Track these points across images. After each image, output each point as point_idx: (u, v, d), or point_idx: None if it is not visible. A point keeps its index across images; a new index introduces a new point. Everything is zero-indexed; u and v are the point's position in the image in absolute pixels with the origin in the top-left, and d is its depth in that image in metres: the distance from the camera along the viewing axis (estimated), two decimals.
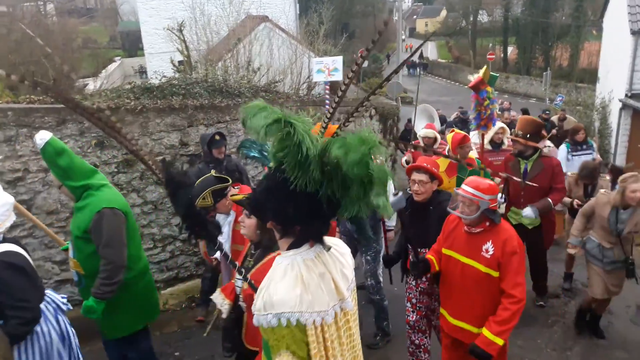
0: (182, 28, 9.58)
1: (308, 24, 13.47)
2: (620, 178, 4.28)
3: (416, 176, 3.68)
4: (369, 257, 4.42)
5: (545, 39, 33.89)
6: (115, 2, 34.95)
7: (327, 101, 7.06)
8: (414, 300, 3.79)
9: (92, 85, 13.61)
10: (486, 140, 5.88)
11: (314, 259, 1.71)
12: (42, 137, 3.02)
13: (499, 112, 7.90)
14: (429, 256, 3.35)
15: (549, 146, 6.96)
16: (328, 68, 6.87)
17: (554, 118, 11.83)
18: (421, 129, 7.18)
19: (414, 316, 3.76)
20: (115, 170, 5.28)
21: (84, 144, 5.07)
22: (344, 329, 1.78)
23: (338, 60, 6.98)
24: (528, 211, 4.78)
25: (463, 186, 3.12)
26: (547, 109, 13.46)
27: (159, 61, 15.85)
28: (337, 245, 1.83)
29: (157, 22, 16.70)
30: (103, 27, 33.93)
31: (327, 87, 7.49)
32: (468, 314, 3.12)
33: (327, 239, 1.77)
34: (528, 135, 4.81)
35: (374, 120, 9.19)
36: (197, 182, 3.64)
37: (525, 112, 14.42)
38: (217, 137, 5.00)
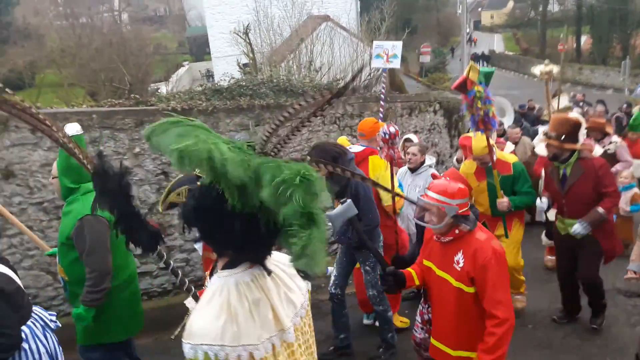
0: (248, 31, 9.88)
1: (369, 21, 13.47)
2: None
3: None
4: (367, 267, 4.11)
5: (624, 27, 31.87)
6: (183, 9, 36.52)
7: (383, 96, 6.79)
8: (425, 317, 3.30)
9: (163, 89, 14.37)
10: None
11: (250, 283, 1.50)
12: (77, 128, 3.05)
13: (571, 105, 7.15)
14: (410, 269, 3.02)
15: (615, 142, 6.43)
16: (387, 53, 6.43)
17: (636, 109, 11.15)
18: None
19: (422, 334, 3.33)
20: None
21: None
22: None
23: (398, 46, 6.50)
24: (577, 227, 4.25)
25: (426, 191, 2.83)
26: (628, 101, 12.69)
27: (225, 64, 16.41)
28: (285, 265, 1.59)
29: (223, 26, 17.31)
30: (172, 34, 35.56)
31: (385, 74, 7.01)
32: (444, 333, 2.86)
33: (274, 259, 1.57)
34: (563, 137, 4.26)
35: (438, 115, 9.06)
36: (178, 177, 3.59)
37: (601, 103, 13.67)
38: None
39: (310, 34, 11.69)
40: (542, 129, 7.19)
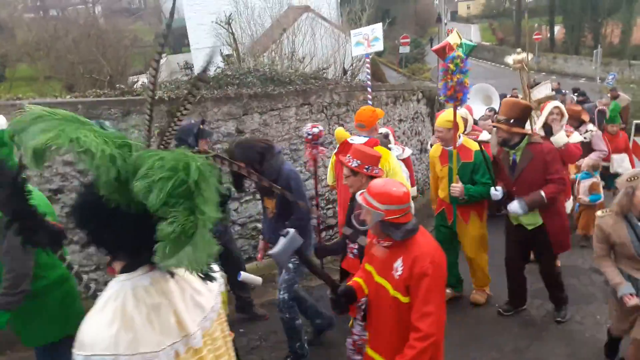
0: (230, 21, 9.80)
1: (350, 12, 13.47)
2: (626, 176, 3.30)
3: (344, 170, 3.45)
4: (290, 265, 3.76)
5: (595, 16, 32.51)
6: (158, 1, 35.89)
7: (369, 83, 6.52)
8: (355, 338, 2.93)
9: (142, 81, 14.14)
10: (539, 125, 5.14)
11: (149, 287, 1.40)
12: (2, 122, 2.90)
13: (553, 93, 7.08)
14: (356, 279, 2.80)
15: (592, 130, 6.33)
16: (367, 39, 6.16)
17: (605, 99, 11.31)
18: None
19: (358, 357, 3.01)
20: None
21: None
22: None
23: (377, 28, 6.13)
24: (515, 205, 4.13)
25: (364, 192, 2.58)
26: (604, 92, 12.92)
27: (205, 56, 16.21)
28: None
29: (202, 17, 17.07)
30: (148, 26, 34.90)
31: (368, 59, 6.69)
32: (380, 343, 2.67)
33: None
34: (512, 120, 4.11)
35: (421, 104, 9.15)
36: None
37: (576, 91, 13.95)
38: (204, 127, 4.47)
39: (291, 25, 11.64)
40: None
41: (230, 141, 4.15)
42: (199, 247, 1.22)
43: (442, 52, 4.28)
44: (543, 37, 36.11)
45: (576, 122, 6.29)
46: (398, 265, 2.46)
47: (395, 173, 4.14)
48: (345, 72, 9.65)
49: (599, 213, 3.56)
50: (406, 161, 5.38)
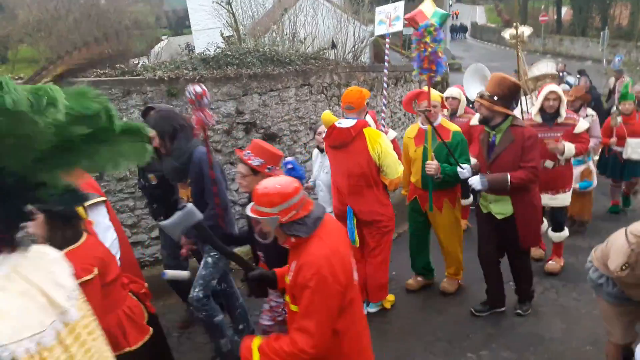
0: (231, 1, 9.73)
1: None
2: (633, 230, 2.67)
3: (239, 167, 3.06)
4: (209, 260, 3.51)
5: None
6: None
7: (386, 64, 6.01)
8: (273, 304, 2.93)
9: (141, 63, 14.05)
10: (535, 110, 4.89)
11: (10, 276, 1.31)
12: None
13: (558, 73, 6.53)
14: (279, 269, 2.58)
15: (591, 114, 5.93)
16: (389, 17, 5.90)
17: (611, 80, 11.12)
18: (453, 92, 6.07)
19: (268, 321, 3.00)
20: None
21: None
22: (76, 345, 1.41)
23: (399, 7, 5.80)
24: (474, 179, 3.90)
25: (252, 204, 2.28)
26: (610, 74, 12.64)
27: (206, 37, 16.15)
28: (42, 252, 1.45)
29: None
30: (149, 7, 34.62)
31: (388, 39, 6.30)
32: None
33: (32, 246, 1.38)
34: (496, 98, 3.77)
35: (422, 85, 9.12)
36: None
37: (581, 73, 13.79)
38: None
39: (293, 5, 11.55)
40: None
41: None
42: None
43: (414, 21, 4.07)
44: (549, 18, 35.67)
45: (578, 105, 5.98)
46: (292, 269, 2.24)
47: (386, 155, 4.00)
48: (334, 45, 9.52)
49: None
50: (392, 143, 5.20)
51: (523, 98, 6.17)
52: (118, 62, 5.06)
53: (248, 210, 2.27)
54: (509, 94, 3.83)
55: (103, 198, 2.93)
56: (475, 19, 45.69)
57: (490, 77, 4.06)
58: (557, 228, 5.10)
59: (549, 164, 4.83)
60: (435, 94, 4.33)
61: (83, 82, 4.96)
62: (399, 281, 5.06)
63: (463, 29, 44.12)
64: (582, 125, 4.86)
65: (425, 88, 4.34)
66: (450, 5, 30.73)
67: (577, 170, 5.68)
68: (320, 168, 4.73)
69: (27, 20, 14.16)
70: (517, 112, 6.15)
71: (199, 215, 2.46)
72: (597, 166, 6.57)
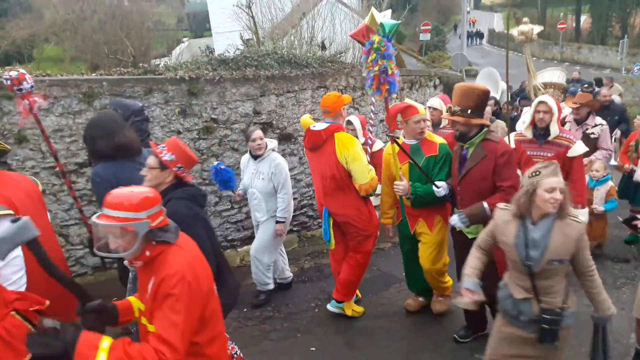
0: (251, 4, 9.92)
1: None
2: (532, 170, 2.66)
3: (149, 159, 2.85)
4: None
5: (623, 5, 31.77)
6: None
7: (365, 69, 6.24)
8: None
9: (162, 64, 14.35)
10: (525, 123, 4.36)
11: None
12: None
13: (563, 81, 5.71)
14: (131, 298, 2.36)
15: (601, 124, 5.49)
16: None
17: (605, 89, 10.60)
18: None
19: None
20: (197, 136, 5.74)
21: (169, 112, 5.53)
22: None
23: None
24: (454, 217, 3.55)
25: (104, 210, 2.05)
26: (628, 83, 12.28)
27: (226, 40, 16.39)
28: None
29: (224, 1, 17.17)
30: (171, 9, 35.21)
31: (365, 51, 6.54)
32: None
33: None
34: (469, 111, 3.43)
35: (437, 90, 9.20)
36: None
37: (598, 82, 13.69)
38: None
39: (311, 10, 11.71)
40: (525, 112, 5.93)
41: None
42: None
43: (361, 37, 3.69)
44: (568, 26, 35.42)
45: (585, 113, 5.52)
46: (150, 287, 2.05)
47: (354, 160, 3.94)
48: (324, 47, 9.61)
49: (501, 205, 2.89)
50: (377, 154, 5.02)
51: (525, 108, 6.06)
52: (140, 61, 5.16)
53: (98, 221, 2.01)
54: (481, 104, 3.50)
55: (8, 211, 2.48)
56: (492, 26, 45.50)
57: (455, 90, 3.61)
58: None
59: None
60: (420, 108, 3.96)
61: (107, 80, 5.18)
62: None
63: (479, 35, 44.27)
64: (578, 148, 4.16)
65: (409, 100, 4.11)
66: (468, 12, 30.66)
67: (601, 192, 5.32)
68: (254, 175, 4.63)
69: (54, 20, 14.58)
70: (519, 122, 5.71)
71: (34, 232, 2.05)
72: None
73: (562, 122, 5.41)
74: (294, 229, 6.54)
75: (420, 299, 4.59)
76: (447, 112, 4.03)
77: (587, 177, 5.23)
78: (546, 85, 5.53)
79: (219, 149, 5.88)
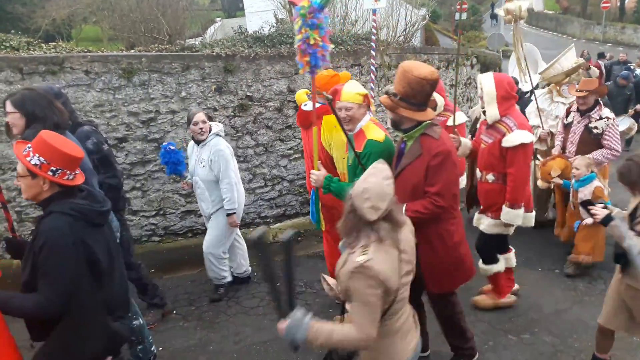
0: None
1: None
2: None
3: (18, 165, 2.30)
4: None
5: None
6: None
7: (374, 42, 6.05)
8: None
9: (197, 42, 14.50)
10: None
11: None
12: None
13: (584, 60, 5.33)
14: None
15: (607, 117, 4.68)
16: None
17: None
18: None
19: None
20: (232, 114, 5.78)
21: (205, 89, 5.58)
22: None
23: None
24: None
25: None
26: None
27: (259, 20, 16.38)
28: None
29: None
30: None
31: (374, 15, 6.22)
32: None
33: None
34: (398, 97, 2.89)
35: (474, 70, 9.00)
36: None
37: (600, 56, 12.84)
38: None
39: None
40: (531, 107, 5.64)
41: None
42: None
43: (293, 3, 3.19)
44: (612, 5, 33.91)
45: (592, 102, 4.74)
46: None
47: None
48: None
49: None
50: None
51: (538, 92, 5.58)
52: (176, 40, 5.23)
53: None
54: (413, 93, 2.86)
55: None
56: (532, 5, 44.00)
57: (397, 71, 3.01)
58: (484, 260, 4.13)
59: (490, 177, 3.87)
60: (352, 92, 3.32)
61: (145, 57, 5.25)
62: None
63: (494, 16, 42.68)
64: (513, 138, 3.61)
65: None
66: None
67: (584, 194, 4.44)
68: (197, 162, 4.30)
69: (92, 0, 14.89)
70: (532, 110, 5.58)
71: None
72: None
73: (567, 113, 5.07)
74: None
75: None
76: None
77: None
78: (567, 74, 5.19)
79: (253, 127, 5.92)
